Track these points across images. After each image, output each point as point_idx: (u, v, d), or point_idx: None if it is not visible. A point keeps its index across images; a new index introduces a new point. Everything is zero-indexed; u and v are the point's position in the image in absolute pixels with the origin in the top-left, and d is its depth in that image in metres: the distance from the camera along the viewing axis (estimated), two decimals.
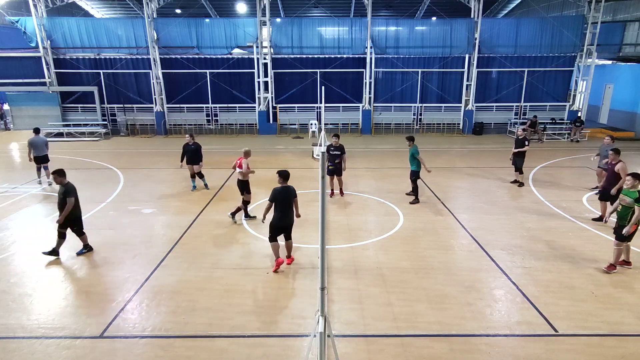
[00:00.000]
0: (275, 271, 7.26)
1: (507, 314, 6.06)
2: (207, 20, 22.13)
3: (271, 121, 21.97)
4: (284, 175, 7.20)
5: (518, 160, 12.18)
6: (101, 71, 21.34)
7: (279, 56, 21.43)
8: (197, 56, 21.44)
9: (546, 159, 15.98)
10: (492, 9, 32.41)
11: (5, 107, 22.96)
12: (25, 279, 7.04)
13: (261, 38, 20.78)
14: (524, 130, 12.64)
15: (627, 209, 6.88)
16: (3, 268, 7.42)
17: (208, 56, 21.45)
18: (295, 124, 22.25)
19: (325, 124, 18.67)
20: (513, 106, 21.95)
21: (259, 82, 21.17)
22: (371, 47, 21.05)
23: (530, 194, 11.69)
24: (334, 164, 10.94)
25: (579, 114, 21.05)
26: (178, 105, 22.03)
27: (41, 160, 12.31)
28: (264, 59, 20.90)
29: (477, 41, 20.67)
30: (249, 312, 6.12)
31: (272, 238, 7.25)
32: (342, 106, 22.09)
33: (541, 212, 10.16)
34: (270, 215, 7.23)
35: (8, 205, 10.73)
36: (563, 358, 5.16)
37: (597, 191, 9.87)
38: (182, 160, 11.69)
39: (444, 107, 22.06)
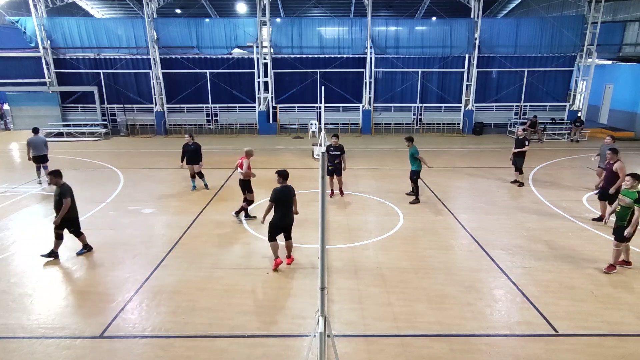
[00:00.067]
0: (275, 270, 7.27)
1: (507, 314, 6.06)
2: (207, 20, 22.14)
3: (271, 121, 21.97)
4: (283, 175, 7.21)
5: (518, 160, 12.18)
6: (101, 71, 21.34)
7: (279, 56, 21.43)
8: (197, 56, 21.44)
9: (546, 159, 15.98)
10: (492, 9, 32.41)
11: (5, 107, 22.96)
12: (25, 279, 7.04)
13: (261, 38, 20.78)
14: (524, 130, 12.64)
15: (626, 209, 6.88)
16: (3, 268, 7.42)
17: (208, 56, 21.45)
18: (295, 124, 22.25)
19: (325, 124, 18.67)
20: (513, 106, 21.96)
21: (259, 82, 21.17)
22: (371, 47, 21.05)
23: (530, 194, 11.69)
24: (334, 164, 10.94)
25: (579, 114, 21.06)
26: (178, 105, 22.03)
27: (40, 160, 12.32)
28: (264, 59, 20.90)
29: (477, 41, 20.67)
30: (249, 312, 6.12)
31: (272, 238, 7.26)
32: (342, 106, 22.09)
33: (541, 212, 10.17)
34: (269, 215, 7.24)
35: (8, 205, 10.73)
36: (563, 358, 5.16)
37: (597, 191, 9.86)
38: (182, 161, 11.69)
39: (444, 107, 22.06)
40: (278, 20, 22.18)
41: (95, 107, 21.28)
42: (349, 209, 10.57)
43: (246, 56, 21.79)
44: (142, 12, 21.32)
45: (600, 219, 9.43)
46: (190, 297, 6.48)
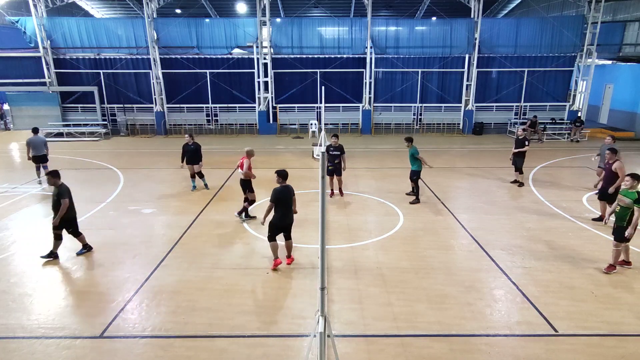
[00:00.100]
0: (274, 270, 7.28)
1: (507, 314, 6.06)
2: (207, 20, 22.14)
3: (271, 121, 21.98)
4: (283, 175, 7.22)
5: (518, 160, 12.18)
6: (101, 71, 21.34)
7: (279, 56, 21.43)
8: (197, 56, 21.44)
9: (546, 159, 15.98)
10: (492, 9, 32.42)
11: (5, 107, 22.96)
12: (25, 279, 7.04)
13: (261, 38, 20.78)
14: (524, 130, 12.64)
15: (625, 209, 6.87)
16: (3, 268, 7.42)
17: (208, 56, 21.45)
18: (295, 124, 22.25)
19: (325, 124, 18.68)
20: (513, 106, 21.96)
21: (259, 82, 21.17)
22: (371, 47, 21.05)
23: (530, 194, 11.69)
24: (334, 164, 10.94)
25: (579, 114, 21.06)
26: (178, 105, 22.03)
27: (39, 159, 12.31)
28: (264, 59, 20.90)
29: (477, 41, 20.67)
30: (249, 312, 6.12)
31: (272, 238, 7.26)
32: (342, 106, 22.09)
33: (541, 212, 10.17)
34: (270, 215, 7.24)
35: (8, 205, 10.73)
36: (563, 358, 5.16)
37: (597, 191, 9.86)
38: (182, 161, 11.69)
39: (444, 107, 22.07)
40: (278, 20, 22.18)
41: (95, 107, 21.28)
42: (349, 209, 10.57)
43: (246, 56, 21.79)
44: (142, 12, 21.32)
45: (600, 219, 9.43)
46: (190, 297, 6.48)
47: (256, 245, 8.38)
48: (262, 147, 18.33)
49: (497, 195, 11.58)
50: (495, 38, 21.04)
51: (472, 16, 20.81)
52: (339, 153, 10.96)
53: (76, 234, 7.86)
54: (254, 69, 21.17)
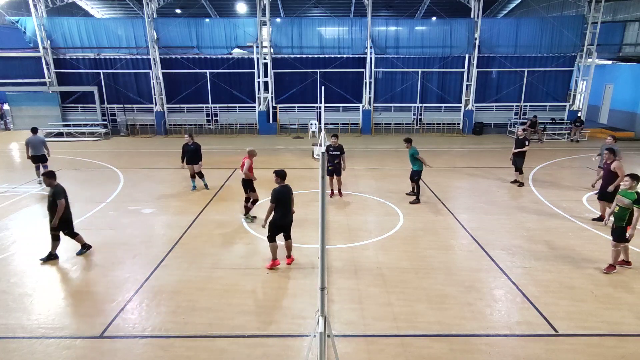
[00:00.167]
0: (271, 269, 7.29)
1: (507, 314, 6.06)
2: (207, 20, 22.14)
3: (271, 121, 21.98)
4: (281, 175, 7.23)
5: (518, 160, 12.18)
6: (101, 71, 21.34)
7: (279, 56, 21.43)
8: (197, 56, 21.44)
9: (546, 159, 15.98)
10: (492, 9, 32.41)
11: (5, 107, 22.96)
12: (25, 279, 7.05)
13: (261, 38, 20.78)
14: (524, 130, 12.64)
15: (624, 210, 6.87)
16: (3, 268, 7.42)
17: (208, 56, 21.45)
18: (295, 124, 22.25)
19: (325, 124, 18.68)
20: (513, 106, 21.96)
21: (259, 82, 21.17)
22: (371, 47, 21.06)
23: (530, 194, 11.69)
24: (334, 164, 10.94)
25: (579, 114, 21.06)
26: (178, 105, 22.03)
27: (38, 159, 12.30)
28: (264, 59, 20.90)
29: (477, 41, 20.67)
30: (249, 312, 6.12)
31: (272, 238, 7.26)
32: (342, 106, 22.09)
33: (541, 212, 10.17)
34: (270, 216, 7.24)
35: (8, 205, 10.73)
36: (563, 358, 5.16)
37: (596, 191, 9.86)
38: (182, 161, 11.68)
39: (444, 107, 22.07)
40: (278, 20, 22.18)
41: (95, 107, 21.28)
42: (349, 209, 10.57)
43: (246, 56, 21.79)
44: (142, 12, 21.32)
45: (600, 219, 9.43)
46: (190, 297, 6.48)
47: (256, 245, 8.38)
48: (262, 147, 18.32)
49: (497, 195, 11.58)
50: (495, 38, 21.04)
51: (472, 16, 20.81)
52: (338, 153, 10.96)
53: (72, 234, 7.81)
54: (254, 69, 21.17)
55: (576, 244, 8.37)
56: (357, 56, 21.46)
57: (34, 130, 12.53)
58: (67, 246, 7.96)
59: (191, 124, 22.12)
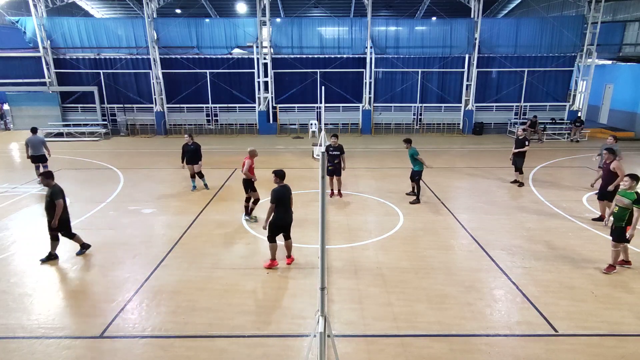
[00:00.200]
0: (269, 268, 7.31)
1: (507, 314, 6.06)
2: (207, 20, 22.14)
3: (271, 121, 21.98)
4: (280, 175, 7.24)
5: (518, 160, 12.18)
6: (101, 71, 21.34)
7: (279, 56, 21.43)
8: (197, 56, 21.44)
9: (546, 159, 15.98)
10: (492, 9, 32.42)
11: (5, 107, 22.96)
12: (25, 279, 7.04)
13: (261, 38, 20.78)
14: (524, 130, 12.64)
15: (623, 210, 6.86)
16: (3, 268, 7.42)
17: (208, 56, 21.45)
18: (295, 124, 22.25)
19: (325, 124, 18.68)
20: (513, 106, 21.96)
21: (259, 82, 21.17)
22: (371, 47, 21.06)
23: (530, 194, 11.69)
24: (334, 164, 10.94)
25: (579, 114, 21.06)
26: (178, 105, 22.03)
27: (38, 159, 12.30)
28: (264, 59, 20.90)
29: (477, 41, 20.67)
30: (249, 312, 6.12)
31: (272, 238, 7.26)
32: (342, 106, 22.09)
33: (541, 212, 10.16)
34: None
35: (8, 205, 10.73)
36: (563, 358, 5.16)
37: (596, 191, 9.87)
38: (182, 161, 11.68)
39: (444, 107, 22.07)
40: (278, 20, 22.18)
41: (95, 107, 21.28)
42: (349, 209, 10.57)
43: (246, 56, 21.79)
44: (142, 12, 21.32)
45: (600, 219, 9.43)
46: (190, 297, 6.48)
47: (256, 245, 8.37)
48: (262, 147, 18.30)
49: (497, 195, 11.58)
50: (495, 38, 21.04)
51: (472, 16, 20.81)
52: (338, 153, 10.96)
53: (70, 235, 7.76)
54: (254, 69, 21.17)
55: (576, 244, 8.37)
56: (357, 56, 21.46)
57: (34, 130, 12.53)
58: (67, 246, 7.95)
59: (191, 124, 22.13)
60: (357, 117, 22.11)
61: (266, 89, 21.38)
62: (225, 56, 21.47)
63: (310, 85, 21.73)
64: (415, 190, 11.02)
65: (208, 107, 22.06)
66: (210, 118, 22.24)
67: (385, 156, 16.69)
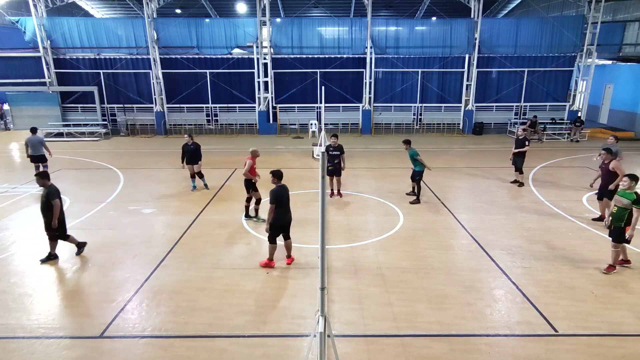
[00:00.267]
0: (264, 266, 7.33)
1: (507, 314, 6.06)
2: (207, 20, 22.14)
3: (271, 121, 21.98)
4: (278, 175, 7.25)
5: (518, 160, 12.18)
6: (101, 71, 21.34)
7: (279, 56, 21.43)
8: (197, 56, 21.44)
9: (546, 159, 15.98)
10: (492, 9, 32.42)
11: (5, 107, 22.96)
12: (25, 279, 7.04)
13: (261, 38, 20.78)
14: (524, 130, 12.64)
15: (623, 210, 6.86)
16: (3, 268, 7.42)
17: (208, 56, 21.45)
18: (295, 124, 22.25)
19: (325, 124, 18.68)
20: (513, 106, 21.96)
21: (259, 82, 21.17)
22: (371, 47, 21.06)
23: (530, 194, 11.69)
24: (334, 164, 10.93)
25: (579, 114, 21.06)
26: (178, 105, 22.03)
27: (37, 159, 12.29)
28: (264, 59, 20.90)
29: (477, 41, 20.67)
30: (249, 312, 6.12)
31: (273, 239, 7.26)
32: (342, 106, 22.09)
33: (541, 212, 10.16)
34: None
35: (8, 205, 10.73)
36: (563, 358, 5.16)
37: (596, 191, 9.87)
38: (182, 161, 11.68)
39: (444, 107, 22.07)
40: (278, 20, 22.18)
41: (95, 107, 21.28)
42: (349, 209, 10.57)
43: (246, 56, 21.79)
44: (142, 12, 21.32)
45: (600, 219, 9.43)
46: (190, 297, 6.48)
47: (256, 245, 8.37)
48: (262, 147, 18.26)
49: (497, 195, 11.58)
50: (495, 38, 21.04)
51: (472, 16, 20.81)
52: (338, 153, 10.95)
53: (64, 237, 7.70)
54: (254, 69, 21.17)
55: (576, 244, 8.37)
56: (357, 56, 21.46)
57: (33, 130, 12.52)
58: (67, 246, 7.95)
59: (191, 124, 22.12)
60: (357, 117, 22.12)
61: (266, 89, 21.38)
62: (225, 56, 21.47)
63: (310, 85, 21.72)
64: (416, 191, 11.02)
65: (208, 107, 22.06)
66: (210, 118, 22.24)
67: (385, 156, 16.69)
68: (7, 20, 22.78)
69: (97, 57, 21.38)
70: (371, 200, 11.15)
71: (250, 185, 9.39)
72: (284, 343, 5.47)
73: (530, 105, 21.78)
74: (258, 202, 9.58)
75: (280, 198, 7.06)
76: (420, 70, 21.48)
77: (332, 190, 11.44)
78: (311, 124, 20.73)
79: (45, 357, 5.19)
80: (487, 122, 21.84)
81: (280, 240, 7.42)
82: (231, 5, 31.60)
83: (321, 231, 3.46)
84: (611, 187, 8.93)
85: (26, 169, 13.85)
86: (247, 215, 9.73)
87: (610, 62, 24.12)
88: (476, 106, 21.68)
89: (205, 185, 12.07)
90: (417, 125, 22.29)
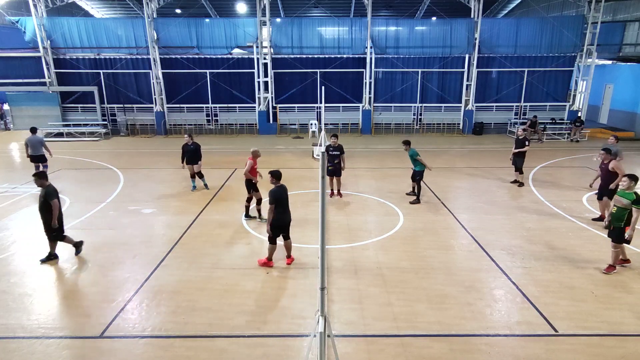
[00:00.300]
0: (262, 265, 7.35)
1: (507, 314, 6.06)
2: (207, 20, 22.14)
3: (271, 121, 21.98)
4: (277, 175, 7.26)
5: (518, 160, 12.18)
6: (101, 71, 21.34)
7: (279, 56, 21.43)
8: (197, 56, 21.44)
9: (546, 159, 15.98)
10: (492, 9, 32.42)
11: (5, 107, 22.96)
12: (25, 279, 7.04)
13: (261, 38, 20.78)
14: (524, 130, 12.64)
15: (622, 210, 6.86)
16: (3, 268, 7.42)
17: (208, 56, 21.45)
18: (295, 124, 22.25)
19: (325, 124, 18.68)
20: (513, 106, 21.96)
21: (259, 82, 21.17)
22: (371, 47, 21.06)
23: (530, 194, 11.69)
24: (334, 164, 10.93)
25: (579, 114, 21.06)
26: (178, 105, 22.03)
27: (37, 159, 12.28)
28: (264, 59, 20.90)
29: (477, 41, 20.67)
30: (249, 312, 6.12)
31: (273, 240, 7.27)
32: (342, 106, 22.09)
33: (541, 212, 10.16)
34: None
35: (8, 205, 10.73)
36: (563, 358, 5.16)
37: (595, 191, 9.87)
38: (182, 161, 11.68)
39: (444, 107, 22.07)
40: (278, 20, 22.18)
41: (95, 107, 21.28)
42: (349, 209, 10.57)
43: (246, 56, 21.79)
44: (142, 12, 21.32)
45: (600, 219, 9.43)
46: (190, 297, 6.48)
47: (256, 245, 8.37)
48: (262, 147, 18.20)
49: (497, 195, 11.58)
50: (495, 38, 21.04)
51: (472, 16, 20.81)
52: (338, 153, 10.95)
53: (61, 237, 7.66)
54: (254, 69, 21.17)
55: (576, 244, 8.37)
56: (357, 56, 21.45)
57: (33, 130, 12.52)
58: (67, 246, 7.94)
59: (191, 124, 22.12)
60: (357, 117, 22.11)
61: (266, 89, 21.38)
62: (225, 56, 21.47)
63: (310, 85, 21.72)
64: (416, 191, 11.02)
65: (208, 107, 22.05)
66: (210, 118, 22.24)
67: (385, 156, 16.69)
68: (7, 20, 22.78)
69: (97, 57, 21.38)
70: (371, 200, 11.15)
71: (251, 186, 9.38)
72: (284, 343, 5.47)
73: (530, 105, 21.78)
74: (259, 202, 9.57)
75: (279, 198, 7.06)
76: (420, 70, 21.48)
77: (332, 190, 11.44)
78: (311, 124, 20.73)
79: (45, 357, 5.19)
80: (487, 122, 21.84)
81: (280, 241, 7.42)
82: (231, 5, 31.60)
83: (321, 231, 3.46)
84: (612, 186, 8.93)
85: (26, 169, 13.84)
86: (247, 215, 9.73)
87: (610, 62, 24.12)
88: (476, 106, 21.68)
89: (205, 185, 12.07)
90: (417, 125, 22.29)
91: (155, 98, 21.47)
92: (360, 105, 21.94)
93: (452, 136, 21.31)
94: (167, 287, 6.78)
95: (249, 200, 9.64)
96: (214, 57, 21.45)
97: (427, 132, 22.14)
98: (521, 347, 5.34)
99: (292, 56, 21.41)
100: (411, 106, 22.10)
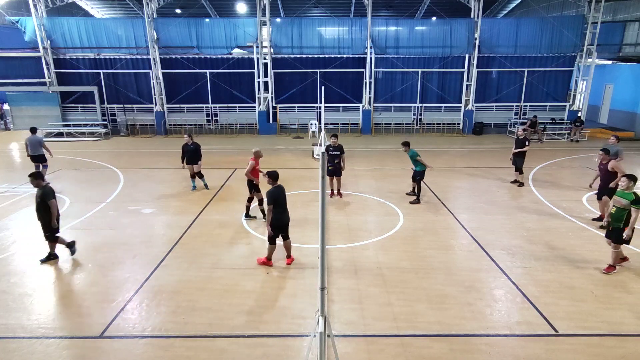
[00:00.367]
0: (261, 264, 7.36)
1: (507, 314, 6.06)
2: (207, 20, 22.13)
3: (271, 121, 21.98)
4: (274, 176, 7.27)
5: (518, 160, 12.18)
6: (101, 71, 21.34)
7: (279, 56, 21.43)
8: (197, 56, 21.44)
9: (546, 159, 15.98)
10: (492, 9, 32.42)
11: (5, 107, 22.96)
12: (25, 279, 7.04)
13: (261, 38, 20.78)
14: (524, 130, 12.64)
15: (621, 210, 6.86)
16: (3, 268, 7.41)
17: (208, 56, 21.45)
18: (295, 124, 22.25)
19: (325, 124, 18.67)
20: (513, 106, 21.96)
21: (259, 82, 21.17)
22: (371, 47, 21.05)
23: (530, 194, 11.69)
24: (334, 164, 10.93)
25: (579, 114, 21.06)
26: (178, 105, 22.03)
27: (36, 159, 12.28)
28: (264, 59, 20.90)
29: (477, 41, 20.67)
30: (249, 312, 6.12)
31: (273, 240, 7.27)
32: (342, 106, 22.09)
33: (541, 212, 10.16)
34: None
35: (8, 205, 10.73)
36: (563, 358, 5.16)
37: (595, 191, 9.87)
38: (182, 161, 11.68)
39: (444, 107, 22.06)
40: (278, 20, 22.18)
41: (95, 107, 21.28)
42: (349, 209, 10.57)
43: (246, 56, 21.79)
44: (142, 12, 21.32)
45: (600, 219, 9.43)
46: (190, 297, 6.48)
47: (256, 245, 8.37)
48: (262, 147, 18.11)
49: (497, 195, 11.58)
50: (495, 38, 21.03)
51: (472, 16, 20.81)
52: (338, 153, 10.95)
53: (53, 238, 7.61)
54: (254, 69, 21.16)
55: (576, 244, 8.37)
56: (357, 56, 21.45)
57: (33, 130, 12.52)
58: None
59: (191, 124, 22.12)
60: (357, 117, 22.11)
61: (266, 89, 21.37)
62: (225, 56, 21.47)
63: (310, 85, 21.72)
64: (416, 191, 11.02)
65: (208, 107, 22.05)
66: (210, 118, 22.24)
67: (385, 156, 16.69)
68: (7, 20, 22.78)
69: (97, 57, 21.38)
70: (371, 200, 11.15)
71: (253, 186, 9.38)
72: (284, 343, 5.47)
73: (530, 105, 21.78)
74: (260, 202, 9.58)
75: (277, 198, 7.07)
76: (420, 70, 21.48)
77: (332, 190, 11.44)
78: (311, 124, 20.73)
79: (45, 357, 5.19)
80: (487, 122, 21.84)
81: (279, 241, 7.42)
82: (231, 5, 31.60)
83: (321, 231, 3.46)
84: (612, 185, 8.93)
85: (26, 168, 13.82)
86: (248, 215, 9.74)
87: (610, 62, 24.12)
88: (476, 106, 21.68)
89: (205, 185, 12.07)
90: (417, 125, 22.29)
91: (155, 98, 21.47)
92: (360, 105, 21.94)
93: (452, 136, 21.31)
94: (167, 287, 6.78)
95: (249, 200, 9.64)
96: (214, 57, 21.45)
97: (427, 132, 22.14)
98: (521, 347, 5.34)
99: (292, 56, 21.41)
100: (411, 106, 22.10)
